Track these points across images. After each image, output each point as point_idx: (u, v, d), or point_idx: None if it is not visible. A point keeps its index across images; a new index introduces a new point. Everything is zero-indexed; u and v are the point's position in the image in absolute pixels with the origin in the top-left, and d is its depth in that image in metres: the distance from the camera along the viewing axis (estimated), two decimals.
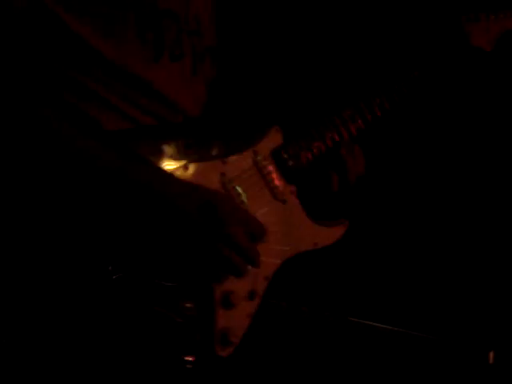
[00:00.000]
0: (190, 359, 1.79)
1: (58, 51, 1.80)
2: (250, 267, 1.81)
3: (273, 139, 2.03)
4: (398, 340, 2.83)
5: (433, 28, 2.37)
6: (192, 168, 1.86)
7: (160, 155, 1.83)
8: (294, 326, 2.73)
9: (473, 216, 3.09)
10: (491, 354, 2.83)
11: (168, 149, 1.85)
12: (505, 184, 3.06)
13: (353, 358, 2.77)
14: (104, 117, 1.82)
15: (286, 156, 2.02)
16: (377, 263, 3.07)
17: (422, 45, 2.27)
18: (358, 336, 2.81)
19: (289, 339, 2.70)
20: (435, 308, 3.05)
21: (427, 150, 3.10)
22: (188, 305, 1.80)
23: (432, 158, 3.10)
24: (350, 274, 3.05)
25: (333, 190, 2.08)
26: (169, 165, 1.83)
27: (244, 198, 1.92)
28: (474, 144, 3.10)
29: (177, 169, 1.84)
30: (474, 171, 3.10)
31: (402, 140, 3.00)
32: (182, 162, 1.85)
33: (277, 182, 2.00)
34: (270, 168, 2.00)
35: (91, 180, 1.71)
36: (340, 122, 2.09)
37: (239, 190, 1.92)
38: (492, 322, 3.03)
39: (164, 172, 1.81)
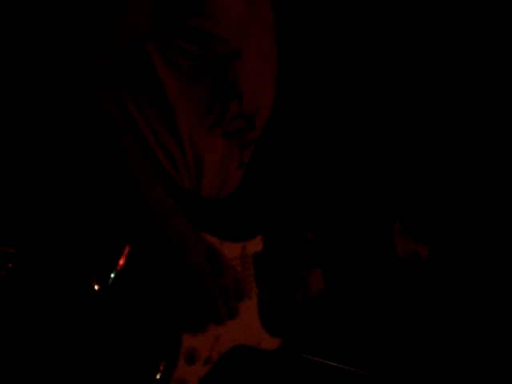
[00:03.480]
0: None
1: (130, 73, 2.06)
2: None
3: (256, 244, 2.33)
4: (351, 379, 2.92)
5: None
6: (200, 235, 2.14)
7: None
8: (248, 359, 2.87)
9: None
10: None
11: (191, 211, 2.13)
12: None
13: None
14: None
15: (262, 261, 2.32)
16: (332, 302, 3.22)
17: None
18: (309, 373, 2.92)
19: (242, 372, 2.81)
20: (388, 350, 3.21)
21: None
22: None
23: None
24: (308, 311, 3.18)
25: (296, 302, 2.38)
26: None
27: None
28: None
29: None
30: None
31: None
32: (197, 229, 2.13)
33: (250, 279, 2.28)
34: (249, 265, 2.29)
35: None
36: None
37: None
38: (438, 362, 3.20)
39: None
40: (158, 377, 1.99)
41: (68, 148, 2.03)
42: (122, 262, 1.96)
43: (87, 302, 1.95)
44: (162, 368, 2.00)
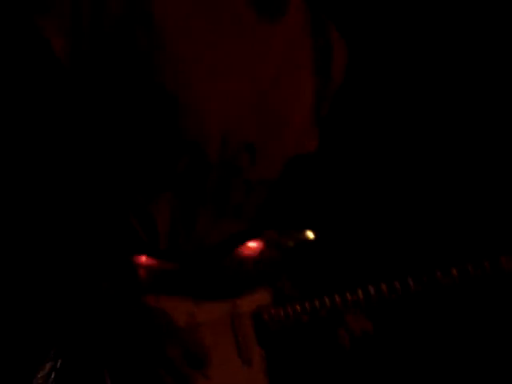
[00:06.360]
0: None
1: None
2: None
3: (260, 298, 1.90)
4: None
5: None
6: (163, 300, 1.76)
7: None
8: None
9: None
10: None
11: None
12: None
13: None
14: None
15: (268, 319, 1.89)
16: None
17: None
18: None
19: None
20: None
21: None
22: None
23: None
24: None
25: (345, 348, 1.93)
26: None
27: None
28: None
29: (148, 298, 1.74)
30: None
31: None
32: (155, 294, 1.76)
33: (247, 340, 1.86)
34: (246, 324, 1.86)
35: None
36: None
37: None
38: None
39: None
40: None
41: None
42: None
43: None
44: None
